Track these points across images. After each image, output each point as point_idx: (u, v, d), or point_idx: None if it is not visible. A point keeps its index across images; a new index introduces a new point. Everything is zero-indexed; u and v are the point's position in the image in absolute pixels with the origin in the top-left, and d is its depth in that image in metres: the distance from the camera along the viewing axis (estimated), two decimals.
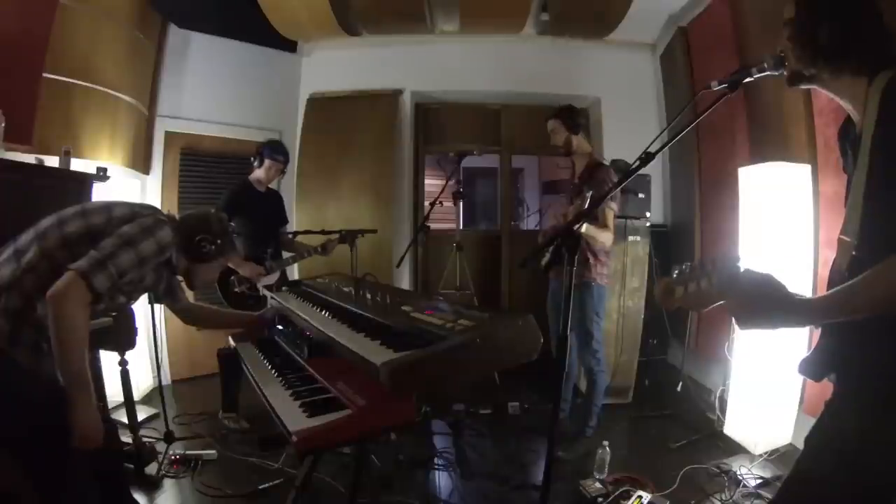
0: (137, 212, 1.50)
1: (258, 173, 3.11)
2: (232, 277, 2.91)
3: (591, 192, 2.37)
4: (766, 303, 0.87)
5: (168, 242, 1.49)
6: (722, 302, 0.89)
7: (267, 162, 3.07)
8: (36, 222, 1.46)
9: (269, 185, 3.23)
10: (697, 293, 0.88)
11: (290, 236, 3.30)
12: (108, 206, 1.50)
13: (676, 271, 0.90)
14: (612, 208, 2.66)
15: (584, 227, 2.48)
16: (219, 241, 1.66)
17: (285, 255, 3.20)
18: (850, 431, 0.99)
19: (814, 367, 1.05)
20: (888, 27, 1.02)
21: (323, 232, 3.13)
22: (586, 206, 2.36)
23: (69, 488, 1.38)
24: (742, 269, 0.88)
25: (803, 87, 1.12)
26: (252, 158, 3.11)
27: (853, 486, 0.98)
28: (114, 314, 2.04)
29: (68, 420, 1.29)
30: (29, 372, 1.34)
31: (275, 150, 3.11)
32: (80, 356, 1.31)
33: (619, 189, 2.46)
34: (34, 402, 1.33)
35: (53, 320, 1.27)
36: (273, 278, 2.98)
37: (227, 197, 3.02)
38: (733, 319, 0.93)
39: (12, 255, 1.39)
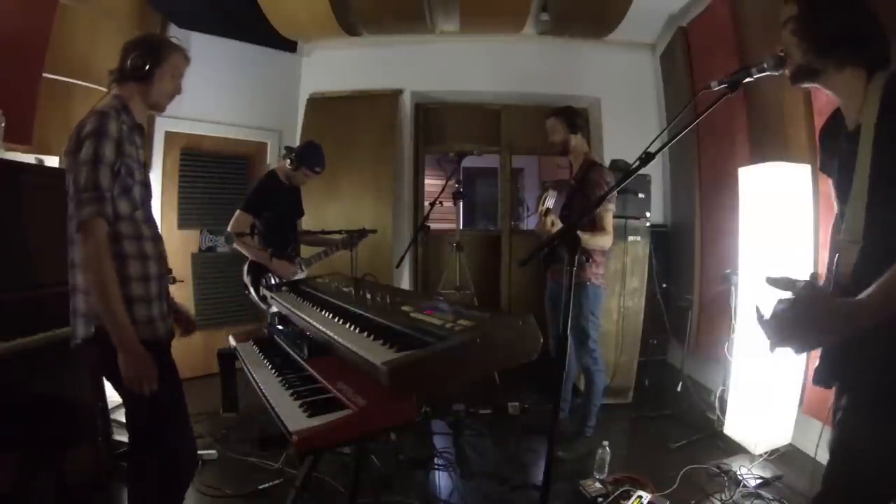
0: (79, 131, 1.43)
1: (287, 170, 3.00)
2: (264, 276, 2.89)
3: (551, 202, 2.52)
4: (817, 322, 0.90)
5: (107, 124, 1.41)
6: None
7: (304, 170, 2.97)
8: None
9: None
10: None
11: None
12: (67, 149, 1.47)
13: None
14: (609, 209, 2.65)
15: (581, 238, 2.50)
16: (152, 52, 1.55)
17: (311, 251, 3.17)
18: (858, 438, 1.00)
19: (824, 377, 1.06)
20: (883, 27, 1.03)
21: (322, 232, 3.12)
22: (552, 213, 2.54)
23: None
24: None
25: (806, 85, 1.12)
26: (284, 154, 2.99)
27: (866, 489, 0.99)
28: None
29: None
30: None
31: (315, 160, 2.99)
32: (114, 295, 1.38)
33: (616, 189, 2.47)
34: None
35: (82, 267, 1.40)
36: (302, 276, 2.95)
37: (256, 188, 3.00)
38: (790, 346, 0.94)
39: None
